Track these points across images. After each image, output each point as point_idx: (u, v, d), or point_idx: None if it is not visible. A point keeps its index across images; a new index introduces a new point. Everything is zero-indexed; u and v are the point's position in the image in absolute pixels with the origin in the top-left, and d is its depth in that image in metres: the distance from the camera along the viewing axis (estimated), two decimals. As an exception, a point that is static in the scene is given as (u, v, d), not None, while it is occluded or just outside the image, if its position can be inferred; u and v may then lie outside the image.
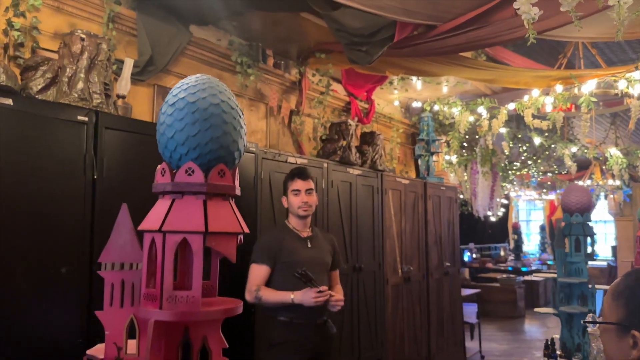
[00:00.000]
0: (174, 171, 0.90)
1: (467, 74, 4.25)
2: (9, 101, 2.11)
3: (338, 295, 2.61)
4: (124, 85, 2.84)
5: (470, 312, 6.21)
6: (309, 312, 2.52)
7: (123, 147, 2.52)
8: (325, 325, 2.63)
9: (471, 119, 5.38)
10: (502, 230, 12.52)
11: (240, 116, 0.94)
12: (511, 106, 4.52)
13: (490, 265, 10.16)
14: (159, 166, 0.92)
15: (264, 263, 2.60)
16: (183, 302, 0.84)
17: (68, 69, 2.45)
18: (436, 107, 5.79)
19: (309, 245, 2.71)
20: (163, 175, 0.90)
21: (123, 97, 2.85)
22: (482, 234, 11.70)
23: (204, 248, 0.90)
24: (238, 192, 0.96)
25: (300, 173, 2.73)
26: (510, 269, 9.99)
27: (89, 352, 0.98)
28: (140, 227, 0.90)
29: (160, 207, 0.90)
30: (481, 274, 9.65)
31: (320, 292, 2.47)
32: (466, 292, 6.57)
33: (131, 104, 2.94)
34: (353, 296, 4.14)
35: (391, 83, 5.17)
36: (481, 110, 4.96)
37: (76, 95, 2.42)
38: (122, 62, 2.97)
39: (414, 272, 5.00)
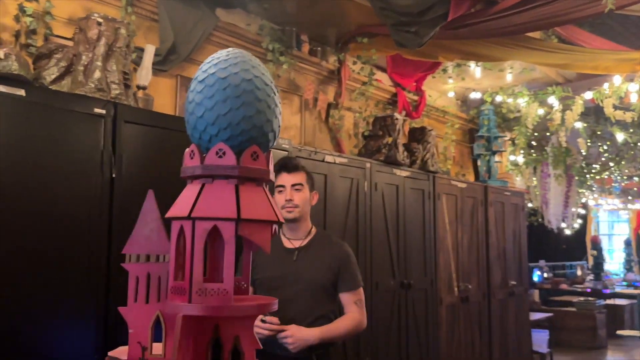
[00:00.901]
0: (204, 154, 0.95)
1: (536, 58, 4.21)
2: (22, 92, 2.23)
3: (291, 330, 2.22)
4: (144, 74, 2.95)
5: (540, 339, 6.09)
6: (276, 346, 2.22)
7: (144, 143, 2.62)
8: None
9: (540, 111, 5.31)
10: (578, 246, 12.20)
11: (275, 93, 0.99)
12: (588, 95, 4.44)
13: (564, 286, 9.91)
14: (187, 149, 0.98)
15: None
16: (214, 295, 0.89)
17: (84, 57, 2.57)
18: (498, 98, 5.74)
19: (295, 259, 2.42)
20: (192, 158, 0.96)
21: (144, 88, 2.96)
22: (555, 250, 11.43)
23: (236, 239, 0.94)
24: (273, 177, 1.00)
25: (285, 165, 2.49)
26: (588, 290, 9.73)
27: (111, 353, 1.04)
28: (167, 215, 0.96)
29: (189, 192, 0.95)
30: (554, 296, 9.44)
31: (263, 321, 2.18)
32: (535, 316, 6.45)
33: (152, 96, 3.05)
34: (401, 317, 4.14)
35: (445, 71, 5.16)
36: (552, 100, 4.89)
37: (93, 86, 2.53)
38: (142, 50, 3.08)
39: (472, 291, 4.96)
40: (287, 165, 2.49)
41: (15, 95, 2.22)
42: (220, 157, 0.92)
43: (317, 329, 2.31)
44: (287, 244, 2.47)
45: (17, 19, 2.78)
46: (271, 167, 1.00)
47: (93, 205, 2.41)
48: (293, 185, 2.45)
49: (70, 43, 2.66)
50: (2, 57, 2.22)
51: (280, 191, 2.46)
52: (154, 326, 0.97)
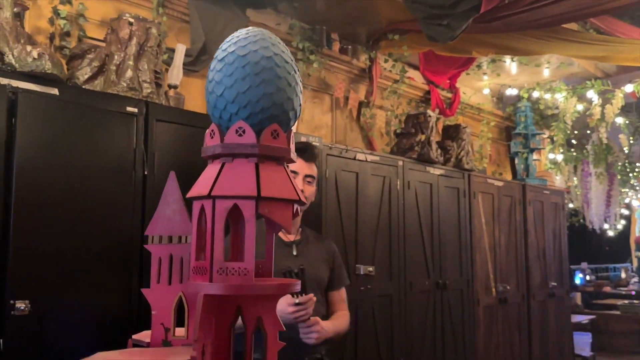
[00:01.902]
0: (224, 133, 0.95)
1: (573, 51, 4.10)
2: (55, 91, 2.29)
3: (317, 320, 2.06)
4: (175, 74, 3.00)
5: (582, 342, 5.93)
6: (292, 347, 1.88)
7: (175, 141, 2.65)
8: None
9: (579, 107, 5.18)
10: (622, 248, 11.85)
11: (295, 71, 0.98)
12: (629, 88, 4.31)
13: (608, 289, 9.63)
14: (208, 129, 0.98)
15: None
16: (235, 274, 0.88)
17: (116, 57, 2.62)
18: (535, 94, 5.62)
19: (295, 253, 2.26)
20: (212, 137, 0.95)
21: (175, 87, 3.00)
22: (597, 252, 11.13)
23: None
24: (295, 157, 0.99)
25: (304, 149, 2.26)
26: (633, 293, 9.43)
27: (134, 336, 1.04)
28: (188, 195, 0.96)
29: (209, 172, 0.95)
30: (597, 299, 9.18)
31: (299, 304, 1.97)
32: (577, 318, 6.28)
33: (184, 95, 3.08)
34: (436, 317, 4.08)
35: (479, 67, 5.09)
36: (591, 95, 4.76)
37: (125, 85, 2.58)
38: (173, 51, 3.13)
39: (511, 292, 4.86)
40: (305, 151, 2.26)
41: (49, 95, 2.28)
42: (240, 135, 0.92)
43: (330, 322, 2.21)
44: (284, 237, 2.29)
45: (51, 21, 2.85)
46: (292, 146, 0.99)
47: (126, 202, 2.44)
48: (307, 175, 2.28)
49: (103, 44, 2.72)
50: (36, 56, 2.27)
51: (293, 178, 2.28)
52: (177, 308, 0.97)
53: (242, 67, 0.93)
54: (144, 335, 1.03)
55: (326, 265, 2.35)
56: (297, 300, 1.97)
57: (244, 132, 0.92)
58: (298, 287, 0.98)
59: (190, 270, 0.94)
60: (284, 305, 1.95)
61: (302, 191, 2.22)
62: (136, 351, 0.95)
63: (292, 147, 0.98)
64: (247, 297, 0.93)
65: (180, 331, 1.00)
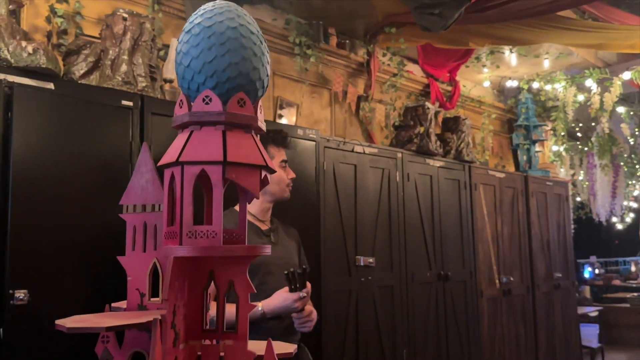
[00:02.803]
0: (192, 103, 0.98)
1: (569, 39, 4.10)
2: (50, 85, 2.33)
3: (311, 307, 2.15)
4: (170, 68, 3.03)
5: (590, 334, 5.90)
6: (280, 334, 2.01)
7: (171, 134, 2.66)
8: (300, 356, 2.23)
9: (580, 97, 5.17)
10: (632, 241, 11.74)
11: (261, 42, 1.01)
12: (626, 76, 4.30)
13: (617, 282, 9.57)
14: (177, 99, 1.01)
15: None
16: (203, 237, 0.91)
17: (111, 52, 2.67)
18: (535, 85, 5.61)
19: (273, 240, 2.27)
20: (181, 107, 0.99)
21: (170, 81, 3.04)
22: (606, 246, 11.07)
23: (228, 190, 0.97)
24: (263, 126, 1.02)
25: (286, 137, 2.32)
26: (643, 286, 9.37)
27: (113, 304, 1.07)
28: (159, 164, 0.99)
29: (178, 140, 0.98)
30: (606, 293, 9.13)
31: (304, 297, 2.03)
32: (584, 310, 6.25)
33: (179, 89, 3.12)
34: (439, 309, 4.09)
35: (478, 59, 5.09)
36: (590, 84, 4.75)
37: (120, 79, 2.62)
38: (169, 47, 3.16)
39: (515, 283, 4.86)
40: (286, 137, 2.32)
41: (44, 89, 2.32)
42: (206, 104, 0.95)
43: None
44: (261, 225, 2.29)
45: (48, 20, 2.90)
46: (260, 116, 1.02)
47: (122, 194, 2.48)
48: (282, 160, 2.30)
49: (99, 41, 2.76)
50: (31, 51, 2.32)
51: (283, 166, 2.30)
52: (152, 273, 1.00)
53: (208, 37, 0.96)
54: (123, 303, 1.07)
55: (296, 252, 2.40)
56: (302, 294, 2.03)
57: (210, 100, 0.95)
58: (268, 251, 1.01)
59: (163, 236, 0.97)
60: (291, 301, 2.02)
61: (290, 181, 2.30)
62: (111, 314, 0.98)
63: (261, 116, 1.01)
64: (218, 261, 0.96)
65: (156, 300, 1.03)
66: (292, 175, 2.33)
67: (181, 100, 0.99)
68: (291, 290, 2.03)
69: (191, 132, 0.96)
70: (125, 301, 1.08)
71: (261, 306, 2.01)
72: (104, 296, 2.33)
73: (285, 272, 2.05)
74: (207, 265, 0.96)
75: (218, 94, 0.96)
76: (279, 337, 2.09)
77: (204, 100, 0.95)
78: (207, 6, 1.01)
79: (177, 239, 0.93)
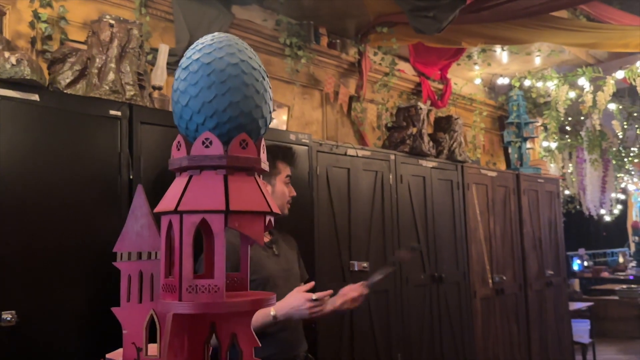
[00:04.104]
0: (191, 145, 0.91)
1: (562, 39, 4.06)
2: (35, 96, 2.24)
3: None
4: (159, 74, 2.95)
5: (581, 330, 5.91)
6: (290, 344, 2.16)
7: (161, 143, 2.60)
8: None
9: (572, 94, 5.14)
10: (619, 232, 11.86)
11: (264, 78, 0.94)
12: (620, 75, 4.27)
13: (606, 274, 9.64)
14: (174, 141, 0.94)
15: None
16: (205, 292, 0.85)
17: (97, 59, 2.57)
18: (527, 83, 5.58)
19: (276, 252, 2.32)
20: (179, 150, 0.92)
21: (159, 88, 2.95)
22: (595, 238, 11.15)
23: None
24: (266, 167, 0.95)
25: (294, 155, 2.43)
26: (631, 278, 9.43)
27: (108, 355, 1.01)
28: (156, 210, 0.92)
29: (176, 186, 0.91)
30: (595, 285, 9.19)
31: (316, 300, 2.05)
32: (575, 306, 6.27)
33: (168, 96, 3.04)
34: (433, 311, 4.06)
35: (470, 57, 5.04)
36: (583, 82, 4.72)
37: (107, 88, 2.53)
38: (157, 51, 3.08)
39: (507, 282, 4.84)
40: (294, 156, 2.42)
41: (29, 101, 2.23)
42: (207, 146, 0.88)
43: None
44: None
45: (32, 25, 2.80)
46: (263, 156, 0.95)
47: (112, 207, 2.40)
48: (287, 176, 2.37)
49: (84, 47, 2.67)
50: (14, 63, 2.22)
51: (287, 183, 2.35)
52: (148, 326, 0.94)
53: (207, 75, 0.89)
54: (118, 354, 1.00)
55: (296, 262, 2.44)
56: (314, 296, 2.02)
57: (210, 143, 0.88)
58: (274, 301, 0.95)
59: (161, 288, 0.91)
60: (302, 301, 2.00)
61: (290, 199, 2.35)
62: (107, 374, 0.91)
63: (263, 156, 0.95)
64: (220, 314, 0.89)
65: (152, 348, 0.96)
66: (293, 193, 2.38)
67: (179, 142, 0.92)
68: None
69: (190, 177, 0.89)
70: (120, 351, 1.01)
71: (274, 311, 1.99)
72: (94, 314, 2.28)
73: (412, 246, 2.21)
74: (208, 318, 0.90)
75: (218, 135, 0.89)
76: (287, 345, 2.16)
77: (203, 142, 0.88)
78: (206, 39, 0.94)
79: (176, 293, 0.86)
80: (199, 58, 0.91)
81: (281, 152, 2.37)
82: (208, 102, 0.89)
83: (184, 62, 0.94)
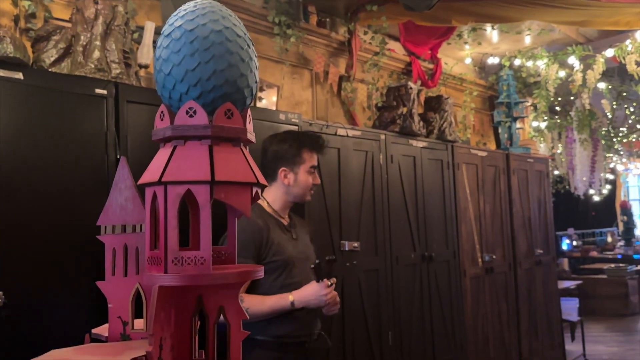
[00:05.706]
0: (175, 114, 0.89)
1: (552, 16, 4.04)
2: (19, 75, 2.20)
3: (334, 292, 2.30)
4: (145, 52, 2.90)
5: (570, 308, 5.98)
6: (306, 323, 2.26)
7: (148, 122, 2.55)
8: (321, 341, 2.38)
9: (562, 73, 5.13)
10: (608, 212, 11.95)
11: (249, 46, 0.92)
12: (609, 53, 4.26)
13: (594, 254, 9.74)
14: (158, 111, 0.91)
15: (249, 262, 2.13)
16: (191, 264, 0.83)
17: (82, 37, 2.53)
18: (517, 62, 5.56)
19: (294, 237, 2.40)
20: (162, 119, 0.89)
21: (146, 66, 2.90)
22: (584, 217, 11.23)
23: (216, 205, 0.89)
24: (252, 138, 0.93)
25: (323, 144, 2.47)
26: (619, 257, 9.53)
27: (94, 330, 0.99)
28: (139, 182, 0.90)
29: (160, 156, 0.89)
30: (584, 264, 9.28)
31: (331, 285, 2.21)
32: (564, 284, 6.33)
33: (155, 75, 3.00)
34: (423, 290, 4.08)
35: (460, 36, 5.01)
36: (572, 61, 4.71)
37: (92, 66, 2.49)
38: (143, 28, 3.02)
39: (497, 261, 4.86)
40: (323, 145, 2.45)
41: (12, 79, 2.18)
42: (190, 116, 0.86)
43: None
44: (283, 221, 2.42)
45: (15, 3, 2.74)
46: (249, 127, 0.93)
47: (99, 188, 2.37)
48: (313, 166, 2.43)
49: (69, 25, 2.62)
50: (-3, 40, 2.18)
51: (312, 172, 2.41)
52: (134, 300, 0.92)
53: (190, 42, 0.86)
54: (104, 329, 0.98)
55: (311, 245, 2.52)
56: (330, 283, 2.18)
57: (194, 112, 0.86)
58: (261, 274, 0.94)
59: (146, 261, 0.89)
60: (322, 294, 2.15)
61: (313, 186, 2.42)
62: (92, 347, 0.90)
63: (250, 127, 0.93)
64: (207, 287, 0.88)
65: (139, 323, 0.95)
66: (318, 181, 2.46)
67: (162, 112, 0.89)
68: (318, 281, 2.18)
69: (174, 148, 0.87)
70: (106, 326, 0.99)
71: (292, 297, 2.14)
72: (82, 294, 2.26)
73: (312, 265, 2.25)
74: (195, 291, 0.88)
75: (203, 105, 0.87)
76: (303, 324, 2.24)
77: (187, 112, 0.86)
78: (188, 6, 0.91)
79: (161, 265, 0.85)
80: (181, 25, 0.88)
81: (308, 141, 2.40)
82: (191, 70, 0.86)
83: (166, 29, 0.91)
